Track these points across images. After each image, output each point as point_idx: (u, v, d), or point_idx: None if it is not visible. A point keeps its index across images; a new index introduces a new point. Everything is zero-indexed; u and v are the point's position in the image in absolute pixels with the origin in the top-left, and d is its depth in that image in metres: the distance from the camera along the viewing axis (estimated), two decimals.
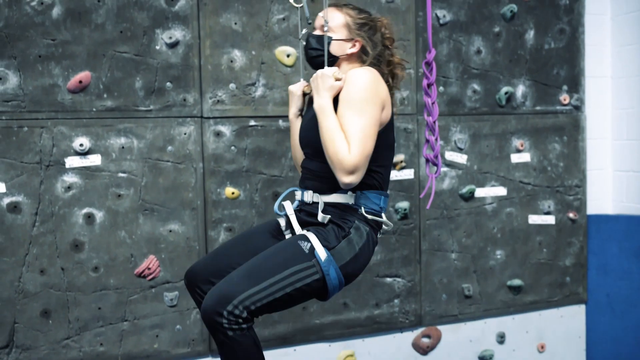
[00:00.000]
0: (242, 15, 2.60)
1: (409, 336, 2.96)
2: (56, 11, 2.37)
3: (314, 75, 1.81)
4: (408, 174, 2.87)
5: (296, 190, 1.91)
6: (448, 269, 2.97)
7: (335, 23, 1.85)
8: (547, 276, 3.16)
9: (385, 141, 1.84)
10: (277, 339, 2.71)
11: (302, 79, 2.06)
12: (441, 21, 2.90)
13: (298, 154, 2.03)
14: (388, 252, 2.85)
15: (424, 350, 2.97)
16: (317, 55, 1.86)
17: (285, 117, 2.67)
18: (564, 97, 3.14)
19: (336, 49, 1.85)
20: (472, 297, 3.02)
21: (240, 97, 2.62)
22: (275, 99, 2.66)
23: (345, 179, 1.69)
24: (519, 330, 3.14)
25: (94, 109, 2.45)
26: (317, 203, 1.81)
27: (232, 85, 2.60)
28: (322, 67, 1.79)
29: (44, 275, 2.42)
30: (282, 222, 1.91)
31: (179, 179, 2.55)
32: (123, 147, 2.48)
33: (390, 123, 1.85)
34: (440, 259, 2.96)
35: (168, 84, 2.52)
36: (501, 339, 3.10)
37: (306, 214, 1.85)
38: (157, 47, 2.50)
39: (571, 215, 3.17)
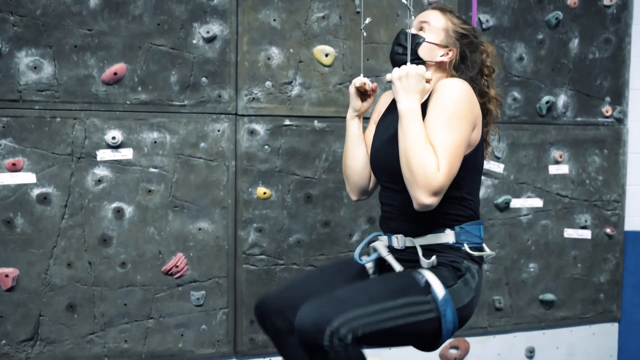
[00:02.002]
0: (281, 12, 2.45)
1: None
2: (94, 1, 2.24)
3: (402, 71, 1.49)
4: None
5: (379, 235, 1.60)
6: None
7: (434, 24, 1.60)
8: (581, 292, 2.96)
9: (475, 164, 1.57)
10: None
11: (361, 75, 1.80)
12: (484, 26, 2.71)
13: (349, 161, 1.75)
14: None
15: None
16: (403, 53, 1.58)
17: (321, 118, 2.51)
18: (607, 109, 2.94)
19: (426, 52, 1.60)
20: (503, 309, 2.84)
21: (276, 95, 2.47)
22: (312, 98, 2.50)
23: (426, 199, 1.37)
24: (549, 346, 2.95)
25: (128, 102, 2.31)
26: (411, 247, 1.49)
27: (268, 83, 2.45)
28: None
29: (71, 268, 2.29)
30: (370, 266, 1.59)
31: (210, 177, 2.41)
32: (155, 142, 2.35)
33: (480, 145, 1.57)
34: None
35: (203, 79, 2.38)
36: (530, 354, 2.91)
37: (399, 262, 1.54)
38: (194, 41, 2.36)
39: (608, 230, 2.96)
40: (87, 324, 2.32)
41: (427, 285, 1.41)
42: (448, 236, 1.48)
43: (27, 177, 2.24)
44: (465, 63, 1.60)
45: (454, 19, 1.63)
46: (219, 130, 2.41)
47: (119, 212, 2.32)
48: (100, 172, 2.30)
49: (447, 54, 1.61)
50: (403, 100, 1.47)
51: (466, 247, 1.49)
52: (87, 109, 2.27)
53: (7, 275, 2.23)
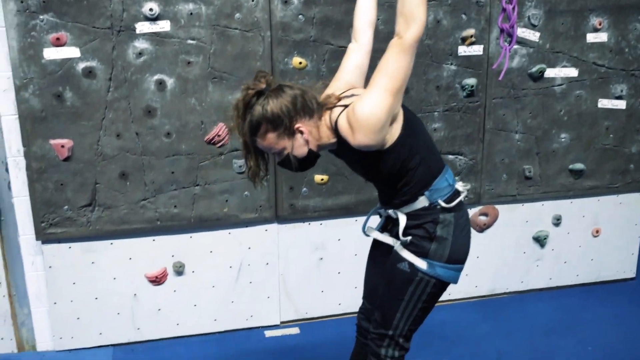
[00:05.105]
0: None
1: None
2: None
3: None
4: (477, 49, 2.58)
5: (379, 209, 1.75)
6: (510, 149, 2.76)
7: (268, 142, 1.52)
8: (611, 162, 2.90)
9: (404, 141, 1.55)
10: (340, 209, 2.62)
11: None
12: None
13: (357, 9, 1.73)
14: (452, 130, 2.64)
15: (480, 228, 2.83)
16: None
17: None
18: None
19: (300, 147, 1.55)
20: (532, 178, 2.82)
21: None
22: None
23: (405, 34, 1.42)
24: (576, 214, 2.95)
25: None
26: (399, 219, 1.64)
27: None
28: None
29: (120, 139, 2.34)
30: (376, 235, 1.76)
31: (247, 47, 2.36)
32: (191, 13, 2.29)
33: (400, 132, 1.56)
34: (503, 138, 2.74)
35: None
36: (557, 221, 2.92)
37: (396, 227, 1.68)
38: None
39: None
40: (139, 190, 2.41)
41: (411, 266, 1.61)
42: (422, 202, 1.61)
43: (71, 52, 2.24)
44: (306, 109, 1.53)
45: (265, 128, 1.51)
46: (253, 0, 2.32)
47: (160, 84, 2.32)
48: (140, 45, 2.27)
49: (302, 132, 1.53)
50: None
51: (441, 203, 1.60)
52: None
53: (62, 146, 2.30)
